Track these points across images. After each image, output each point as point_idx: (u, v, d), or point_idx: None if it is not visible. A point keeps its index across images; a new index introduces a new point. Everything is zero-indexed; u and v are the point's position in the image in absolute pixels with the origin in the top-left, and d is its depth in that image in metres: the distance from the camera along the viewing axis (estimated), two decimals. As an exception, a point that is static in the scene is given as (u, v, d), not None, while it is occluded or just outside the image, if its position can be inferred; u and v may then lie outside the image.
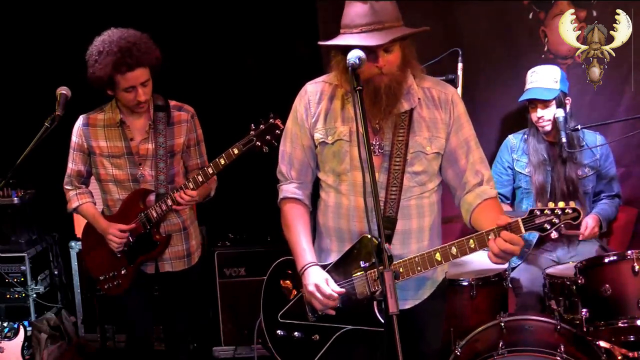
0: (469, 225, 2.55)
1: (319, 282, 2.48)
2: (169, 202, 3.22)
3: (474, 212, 2.50)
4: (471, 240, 2.33)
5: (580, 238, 3.74)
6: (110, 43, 3.08)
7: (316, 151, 2.59)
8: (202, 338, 4.56)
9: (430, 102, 2.51)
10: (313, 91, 2.58)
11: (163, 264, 3.36)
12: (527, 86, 3.81)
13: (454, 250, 2.36)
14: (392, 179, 2.47)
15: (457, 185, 2.56)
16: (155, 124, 3.26)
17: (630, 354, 3.10)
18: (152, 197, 3.29)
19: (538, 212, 2.27)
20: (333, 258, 2.58)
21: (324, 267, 2.56)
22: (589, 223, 3.72)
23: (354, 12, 2.37)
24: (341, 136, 2.50)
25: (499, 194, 3.93)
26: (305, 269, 2.53)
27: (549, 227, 2.27)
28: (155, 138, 3.26)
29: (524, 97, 3.77)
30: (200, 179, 3.16)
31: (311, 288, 2.48)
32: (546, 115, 3.73)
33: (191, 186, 3.17)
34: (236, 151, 3.05)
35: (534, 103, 3.76)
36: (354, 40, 2.33)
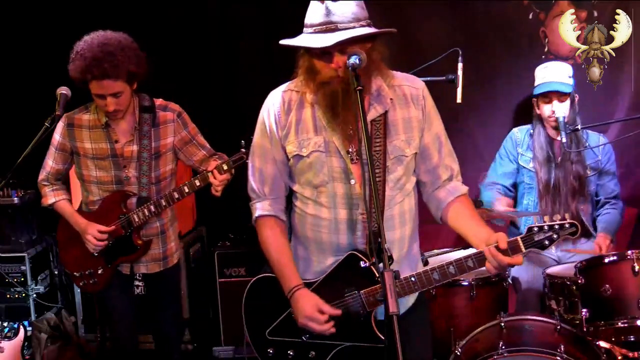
0: (439, 221, 2.51)
1: (312, 313, 2.37)
2: (152, 209, 3.21)
3: (448, 210, 2.46)
4: (470, 260, 2.30)
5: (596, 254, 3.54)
6: (90, 47, 3.03)
7: (289, 164, 2.46)
8: (202, 338, 4.56)
9: (402, 101, 2.42)
10: (280, 101, 2.45)
11: (138, 265, 3.33)
12: (541, 80, 3.76)
13: (452, 269, 2.32)
14: (373, 191, 2.35)
15: (427, 181, 2.50)
16: (140, 125, 3.22)
17: (630, 354, 3.09)
18: (133, 200, 3.25)
19: (536, 229, 2.26)
20: (315, 267, 2.48)
21: (309, 285, 2.45)
22: (601, 244, 3.64)
23: (312, 11, 2.30)
24: (316, 147, 2.38)
25: (505, 187, 3.92)
26: (293, 293, 2.41)
27: (548, 243, 2.26)
28: (139, 140, 3.23)
29: (542, 89, 3.71)
30: (187, 190, 3.18)
31: (303, 320, 2.38)
32: (560, 110, 3.68)
33: (187, 190, 3.18)
34: (225, 167, 3.11)
35: (549, 97, 3.71)
36: (305, 41, 2.27)
